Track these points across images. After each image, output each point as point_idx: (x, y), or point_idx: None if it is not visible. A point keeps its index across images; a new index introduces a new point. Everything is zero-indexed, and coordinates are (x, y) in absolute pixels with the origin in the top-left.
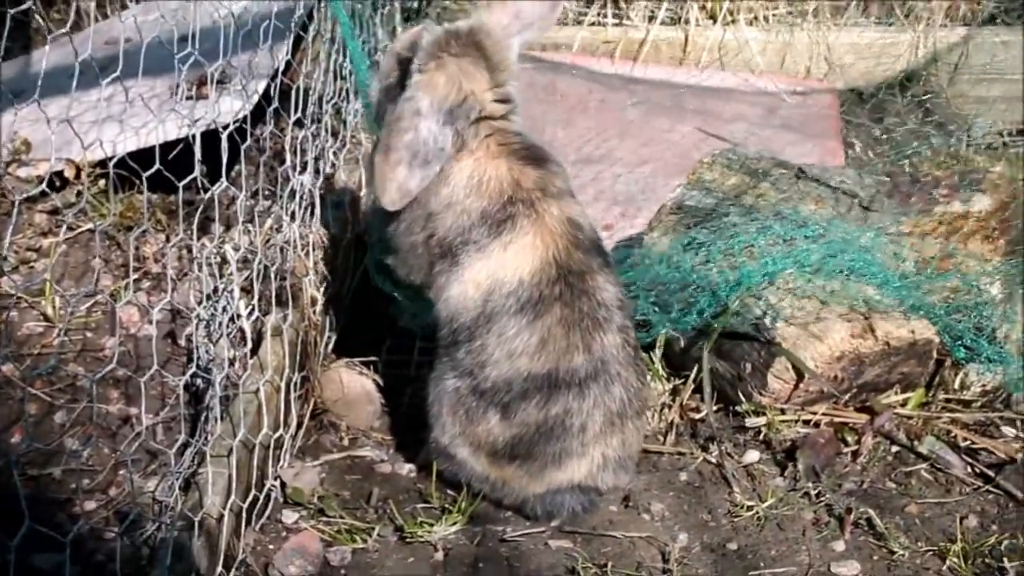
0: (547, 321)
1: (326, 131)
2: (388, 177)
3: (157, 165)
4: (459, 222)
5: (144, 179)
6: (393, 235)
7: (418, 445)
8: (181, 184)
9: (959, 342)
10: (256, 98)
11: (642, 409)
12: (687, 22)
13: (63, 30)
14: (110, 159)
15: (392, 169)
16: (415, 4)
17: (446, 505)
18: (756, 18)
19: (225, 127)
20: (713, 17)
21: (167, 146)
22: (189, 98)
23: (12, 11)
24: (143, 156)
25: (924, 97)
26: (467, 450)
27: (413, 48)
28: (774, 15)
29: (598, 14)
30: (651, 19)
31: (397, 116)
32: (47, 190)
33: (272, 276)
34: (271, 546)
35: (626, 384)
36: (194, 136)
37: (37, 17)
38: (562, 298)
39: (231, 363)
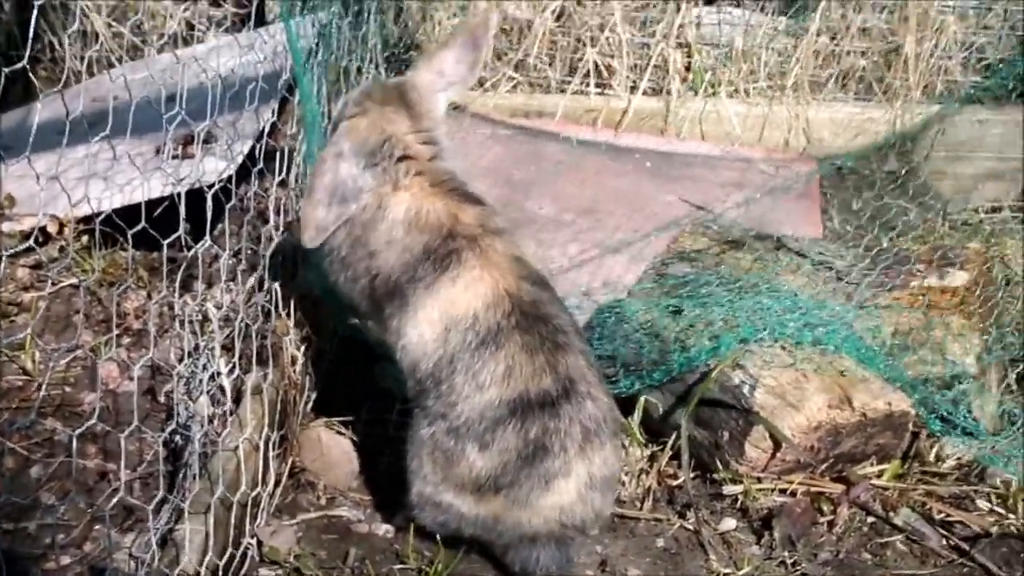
0: (510, 349)
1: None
2: (308, 216)
3: (143, 223)
4: (402, 259)
5: (129, 236)
6: (341, 284)
7: (396, 506)
8: (166, 242)
9: (934, 415)
10: (240, 159)
11: (617, 430)
12: (668, 93)
13: (55, 89)
14: (97, 215)
15: (313, 209)
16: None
17: (423, 567)
18: (736, 90)
19: (210, 186)
20: (694, 89)
21: (151, 204)
22: (175, 157)
23: (7, 70)
24: (126, 214)
25: (901, 172)
26: (451, 493)
27: (343, 107)
28: (754, 87)
29: (581, 83)
30: (633, 89)
31: (320, 160)
32: (33, 245)
33: (253, 335)
34: None
35: (597, 400)
36: (179, 194)
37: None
38: (519, 326)
39: (210, 420)
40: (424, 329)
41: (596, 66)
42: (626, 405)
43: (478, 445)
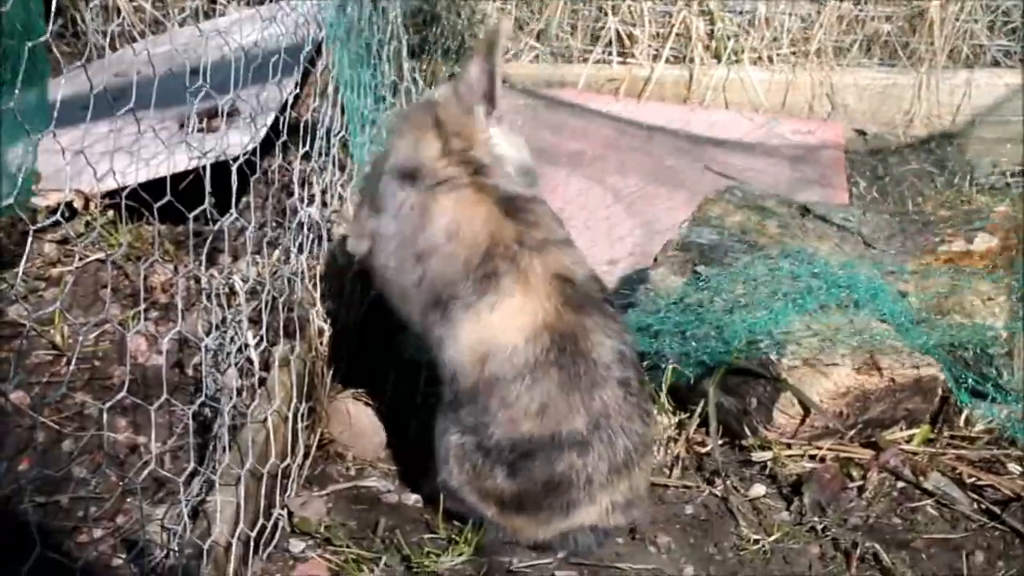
0: (546, 386)
1: (333, 164)
2: (355, 224)
3: (168, 196)
4: (444, 269)
5: (155, 210)
6: (388, 279)
7: (423, 476)
8: (192, 215)
9: (963, 385)
10: (264, 131)
11: (647, 450)
12: (691, 61)
13: (78, 63)
14: (122, 189)
15: (356, 216)
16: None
17: (453, 536)
18: (760, 57)
19: (235, 159)
20: (717, 56)
21: (176, 178)
22: (200, 131)
23: (30, 44)
24: (150, 188)
25: (927, 137)
26: (475, 497)
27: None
28: (778, 55)
29: (603, 52)
30: (656, 58)
31: (367, 167)
32: (60, 220)
33: (280, 307)
34: (278, 575)
35: (629, 433)
36: (204, 167)
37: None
38: (557, 362)
39: (239, 393)
40: (464, 350)
41: (618, 34)
42: (653, 373)
43: (506, 471)
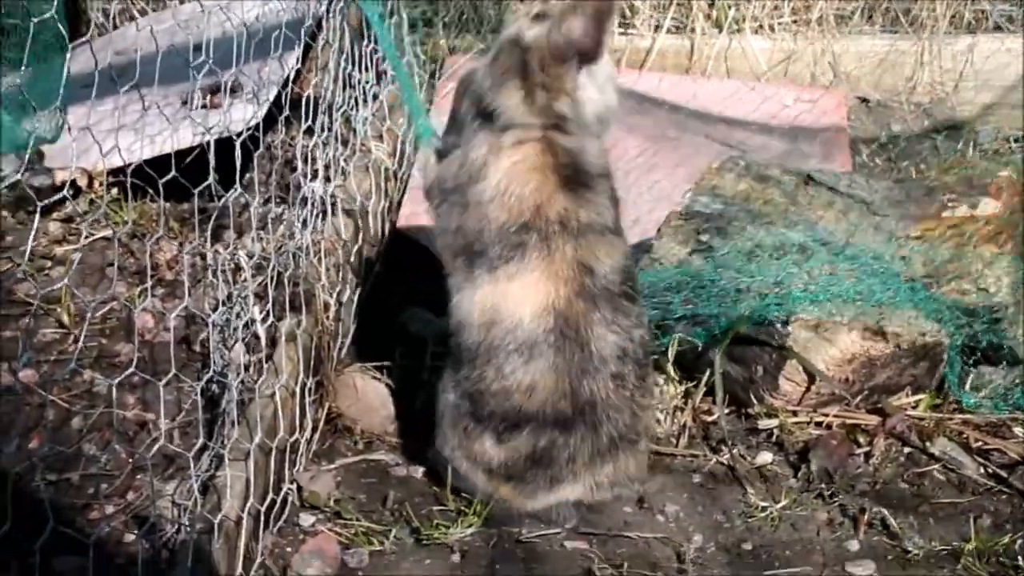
0: (538, 366)
1: (336, 139)
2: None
3: (173, 172)
4: (479, 226)
5: (161, 186)
6: (440, 214)
7: (429, 447)
8: (196, 191)
9: (958, 366)
10: (267, 106)
11: (638, 439)
12: (692, 31)
13: (81, 39)
14: (128, 166)
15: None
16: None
17: (461, 507)
18: (761, 26)
19: (239, 134)
20: (719, 26)
21: (178, 155)
22: (203, 107)
23: (34, 20)
24: (154, 165)
25: (929, 104)
26: (466, 464)
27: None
28: (779, 23)
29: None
30: (656, 28)
31: (458, 85)
32: (67, 196)
33: (285, 282)
34: (289, 549)
35: (615, 423)
36: (209, 143)
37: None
38: (554, 345)
39: (246, 368)
40: (475, 312)
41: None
42: (660, 340)
43: (494, 438)
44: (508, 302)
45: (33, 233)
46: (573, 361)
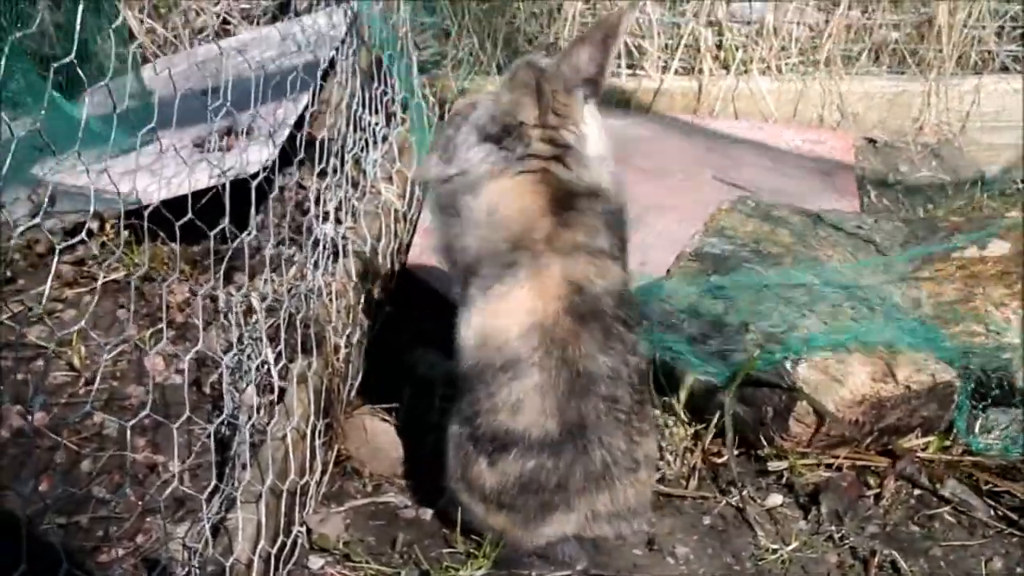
0: (524, 384)
1: (347, 181)
2: (424, 163)
3: (190, 214)
4: (474, 244)
5: (177, 228)
6: (439, 228)
7: (440, 491)
8: (213, 233)
9: (964, 411)
10: (280, 147)
11: (634, 467)
12: (700, 72)
13: (101, 83)
14: (145, 208)
15: (427, 159)
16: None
17: (471, 550)
18: (769, 67)
19: (253, 176)
20: (726, 67)
21: (193, 197)
22: (219, 149)
23: (55, 65)
24: (165, 206)
25: (936, 144)
26: (466, 495)
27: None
28: (786, 64)
29: (613, 64)
30: (664, 69)
31: (452, 115)
32: (85, 239)
33: (296, 324)
34: None
35: (609, 448)
36: (224, 186)
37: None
38: (539, 364)
39: (257, 410)
40: (470, 333)
41: (627, 47)
42: (671, 384)
43: (487, 460)
44: (497, 321)
45: (52, 274)
46: (561, 379)
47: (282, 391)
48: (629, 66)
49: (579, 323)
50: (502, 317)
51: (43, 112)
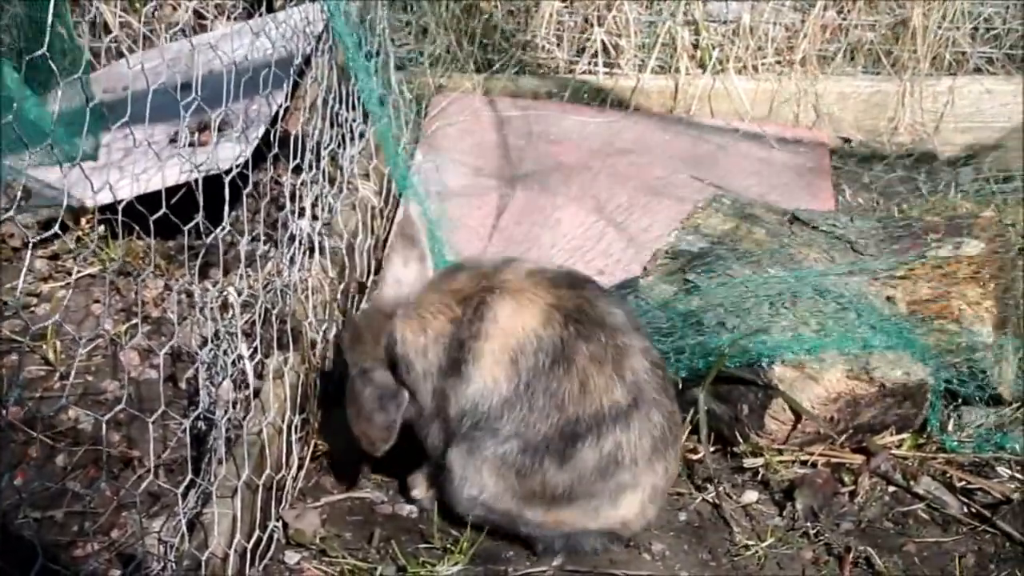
0: (579, 363)
1: (324, 177)
2: (370, 429)
3: (164, 209)
4: (436, 353)
5: (151, 224)
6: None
7: (422, 487)
8: (187, 228)
9: (939, 407)
10: (255, 143)
11: (679, 434)
12: (677, 71)
13: (73, 76)
14: (118, 203)
15: (369, 422)
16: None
17: (448, 545)
18: (745, 67)
19: (227, 172)
20: (703, 66)
21: (167, 193)
22: (191, 144)
23: (28, 57)
24: (140, 202)
25: (911, 144)
26: (517, 504)
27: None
28: (763, 64)
29: (589, 63)
30: (641, 68)
31: (350, 388)
32: (59, 232)
33: (272, 320)
34: None
35: (661, 407)
36: (197, 181)
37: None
38: (581, 335)
39: (233, 405)
40: (492, 369)
41: (604, 45)
42: None
43: (558, 460)
44: (515, 334)
45: (25, 268)
46: (604, 341)
47: (258, 386)
48: (606, 64)
49: (572, 288)
50: (516, 329)
51: (15, 106)
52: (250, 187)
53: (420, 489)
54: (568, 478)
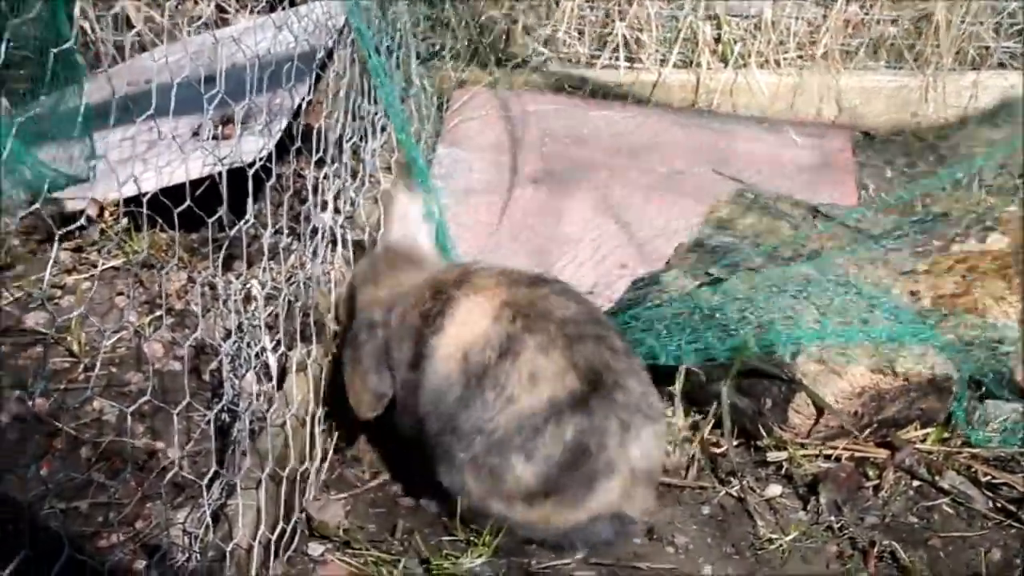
0: (527, 355)
1: (346, 170)
2: (360, 387)
3: (188, 202)
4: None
5: (176, 216)
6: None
7: (431, 494)
8: (210, 221)
9: (964, 405)
10: (278, 136)
11: (656, 415)
12: (698, 65)
13: (99, 69)
14: (143, 195)
15: (363, 379)
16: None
17: (471, 538)
18: (767, 61)
19: (251, 165)
20: (724, 60)
21: (191, 185)
22: (214, 138)
23: (55, 50)
24: (164, 194)
25: (935, 139)
26: (501, 504)
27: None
28: (784, 58)
29: (611, 57)
30: (663, 62)
31: (354, 334)
32: (85, 224)
33: (296, 312)
34: None
35: (626, 390)
36: (220, 174)
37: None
38: (527, 328)
39: (257, 397)
40: (445, 363)
41: (625, 40)
42: (669, 375)
43: (523, 455)
44: (466, 331)
45: (51, 262)
46: (551, 333)
47: (281, 379)
48: (627, 58)
49: (533, 287)
50: (468, 327)
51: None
52: (273, 180)
53: (425, 497)
54: (537, 471)
